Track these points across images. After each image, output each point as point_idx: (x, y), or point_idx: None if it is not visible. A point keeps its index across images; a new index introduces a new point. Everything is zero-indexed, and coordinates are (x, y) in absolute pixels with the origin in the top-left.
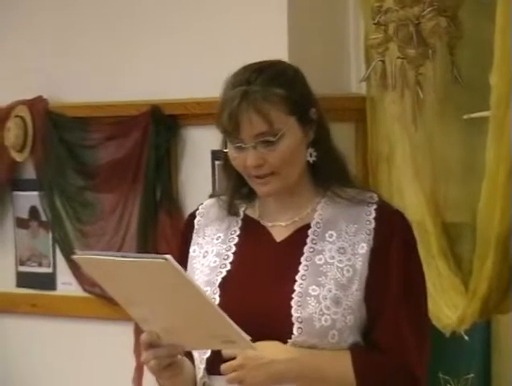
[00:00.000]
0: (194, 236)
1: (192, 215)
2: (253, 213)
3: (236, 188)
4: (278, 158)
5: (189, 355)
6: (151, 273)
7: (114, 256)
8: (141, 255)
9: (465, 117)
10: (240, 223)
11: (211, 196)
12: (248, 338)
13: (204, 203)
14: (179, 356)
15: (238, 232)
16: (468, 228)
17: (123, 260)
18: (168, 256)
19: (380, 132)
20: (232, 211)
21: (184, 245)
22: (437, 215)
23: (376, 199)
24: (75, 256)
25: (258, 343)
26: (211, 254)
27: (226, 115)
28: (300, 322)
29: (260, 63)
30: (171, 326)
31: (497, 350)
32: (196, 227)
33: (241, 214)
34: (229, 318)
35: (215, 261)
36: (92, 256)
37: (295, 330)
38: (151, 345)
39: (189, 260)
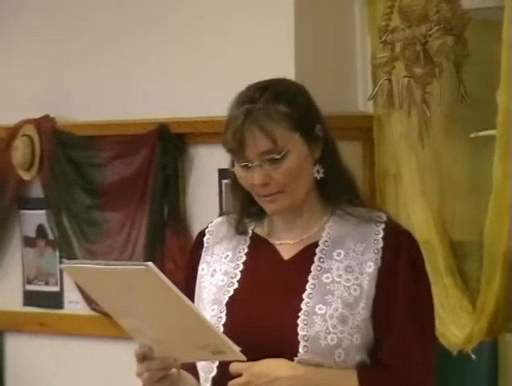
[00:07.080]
0: (203, 253)
1: (202, 234)
2: (262, 231)
3: (244, 207)
4: (283, 175)
5: (195, 373)
6: (135, 281)
7: (99, 264)
8: (124, 263)
9: (472, 135)
10: (248, 241)
11: (221, 214)
12: (237, 348)
13: (214, 222)
14: (174, 370)
15: (246, 250)
16: (475, 246)
17: (106, 267)
18: (150, 264)
19: (387, 150)
20: (240, 229)
21: (193, 263)
22: (444, 233)
23: (385, 218)
24: (61, 265)
25: (264, 361)
26: (219, 273)
27: (231, 134)
28: (306, 341)
29: (264, 81)
30: (161, 337)
31: (504, 369)
32: (205, 245)
33: (250, 232)
34: (236, 336)
35: (223, 280)
36: (78, 265)
37: (300, 349)
38: (144, 358)
39: (198, 278)
